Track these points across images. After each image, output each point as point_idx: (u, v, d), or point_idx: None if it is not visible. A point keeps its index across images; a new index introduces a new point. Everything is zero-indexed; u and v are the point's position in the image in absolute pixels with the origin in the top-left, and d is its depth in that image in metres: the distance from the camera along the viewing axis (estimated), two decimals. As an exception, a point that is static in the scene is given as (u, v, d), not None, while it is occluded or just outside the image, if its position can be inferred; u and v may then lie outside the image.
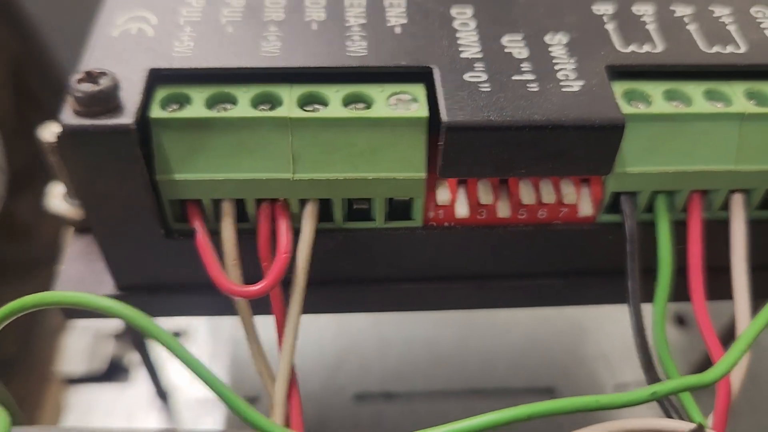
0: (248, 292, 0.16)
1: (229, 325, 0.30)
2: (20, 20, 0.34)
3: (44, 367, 0.30)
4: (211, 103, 0.16)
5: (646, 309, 0.17)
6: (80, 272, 0.19)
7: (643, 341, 0.17)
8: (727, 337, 0.20)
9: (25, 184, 0.32)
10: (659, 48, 0.18)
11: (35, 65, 0.35)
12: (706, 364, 0.17)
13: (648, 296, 0.18)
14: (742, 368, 0.17)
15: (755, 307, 0.17)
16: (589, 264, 0.19)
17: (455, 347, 0.29)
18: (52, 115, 0.16)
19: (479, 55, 0.17)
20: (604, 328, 0.30)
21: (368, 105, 0.16)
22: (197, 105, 0.16)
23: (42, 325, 0.31)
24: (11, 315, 0.16)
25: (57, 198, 0.20)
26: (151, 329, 0.15)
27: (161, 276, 0.19)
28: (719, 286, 0.18)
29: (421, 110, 0.16)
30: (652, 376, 0.17)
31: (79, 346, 0.30)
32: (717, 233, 0.18)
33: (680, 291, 0.18)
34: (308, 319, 0.18)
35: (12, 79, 0.32)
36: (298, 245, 0.17)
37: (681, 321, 0.31)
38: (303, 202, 0.17)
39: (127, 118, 0.15)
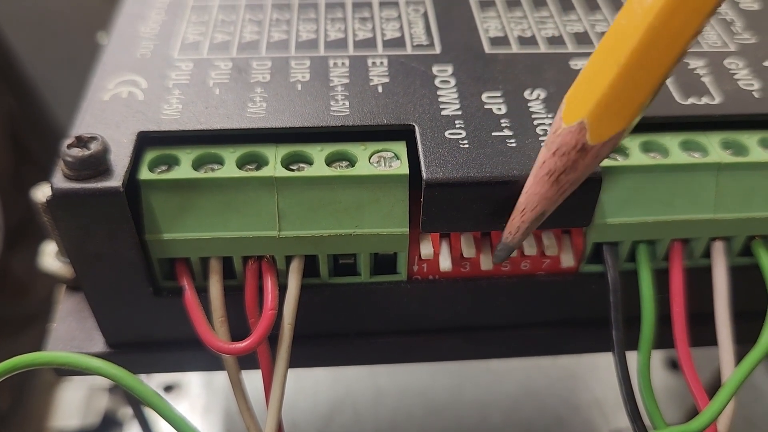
0: (235, 349, 0.16)
1: (222, 378, 0.30)
2: (18, 79, 0.35)
3: (38, 422, 0.30)
4: (198, 164, 0.17)
5: (633, 357, 0.18)
6: (71, 330, 0.19)
7: (629, 391, 0.17)
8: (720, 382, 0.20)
9: (22, 239, 0.32)
10: (635, 101, 0.18)
11: (32, 123, 0.36)
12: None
13: (635, 344, 0.18)
14: (728, 415, 0.17)
15: (740, 353, 0.17)
16: (574, 314, 0.19)
17: (450, 396, 0.29)
18: (49, 172, 0.16)
19: (459, 113, 0.18)
20: (597, 376, 0.30)
21: (351, 163, 0.17)
22: (185, 166, 0.16)
23: (35, 379, 0.31)
24: (2, 375, 0.16)
25: (50, 256, 0.20)
26: (138, 389, 0.15)
27: (151, 333, 0.19)
28: (704, 333, 0.18)
29: (402, 167, 0.17)
30: (638, 426, 0.17)
31: (73, 400, 0.30)
32: (699, 281, 0.18)
33: (666, 338, 0.18)
34: (302, 368, 0.19)
35: (9, 137, 0.33)
36: (285, 301, 0.17)
37: (675, 365, 0.31)
38: (289, 259, 0.17)
39: (115, 181, 0.16)
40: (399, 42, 0.20)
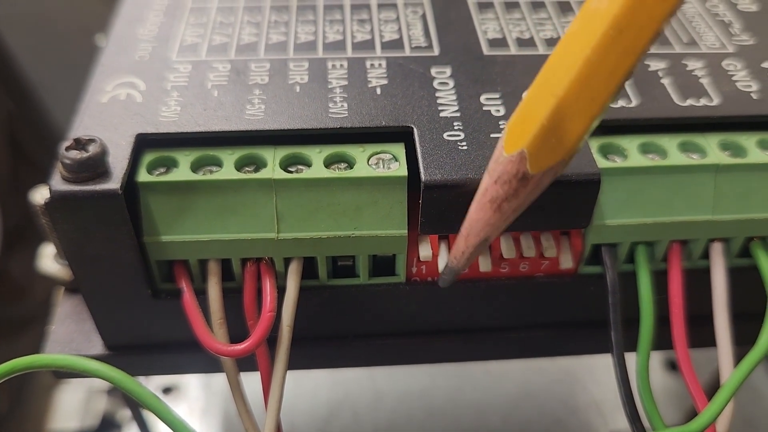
0: (233, 352, 0.16)
1: (221, 380, 0.30)
2: (16, 81, 0.35)
3: (36, 424, 0.30)
4: (196, 167, 0.17)
5: (632, 358, 0.18)
6: (70, 332, 0.19)
7: (628, 392, 0.17)
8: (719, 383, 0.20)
9: (20, 241, 0.32)
10: (634, 102, 0.18)
11: (31, 125, 0.36)
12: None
13: (633, 345, 0.18)
14: (727, 416, 0.17)
15: (739, 354, 0.17)
16: (573, 315, 0.19)
17: (449, 398, 0.29)
18: (47, 174, 0.16)
19: (458, 114, 0.18)
20: (596, 377, 0.30)
21: (350, 165, 0.17)
22: (183, 168, 0.16)
23: (34, 381, 0.31)
24: (1, 377, 0.16)
25: (48, 259, 0.20)
26: (136, 391, 0.15)
27: (149, 335, 0.19)
28: (702, 334, 0.18)
29: (400, 169, 0.16)
30: (637, 427, 0.17)
31: (72, 402, 0.30)
32: (698, 282, 0.18)
33: (664, 340, 0.18)
34: (301, 370, 0.19)
35: (7, 139, 0.33)
36: (283, 303, 0.17)
37: (674, 367, 0.31)
38: (287, 261, 0.17)
39: (114, 183, 0.16)
40: (397, 44, 0.20)
